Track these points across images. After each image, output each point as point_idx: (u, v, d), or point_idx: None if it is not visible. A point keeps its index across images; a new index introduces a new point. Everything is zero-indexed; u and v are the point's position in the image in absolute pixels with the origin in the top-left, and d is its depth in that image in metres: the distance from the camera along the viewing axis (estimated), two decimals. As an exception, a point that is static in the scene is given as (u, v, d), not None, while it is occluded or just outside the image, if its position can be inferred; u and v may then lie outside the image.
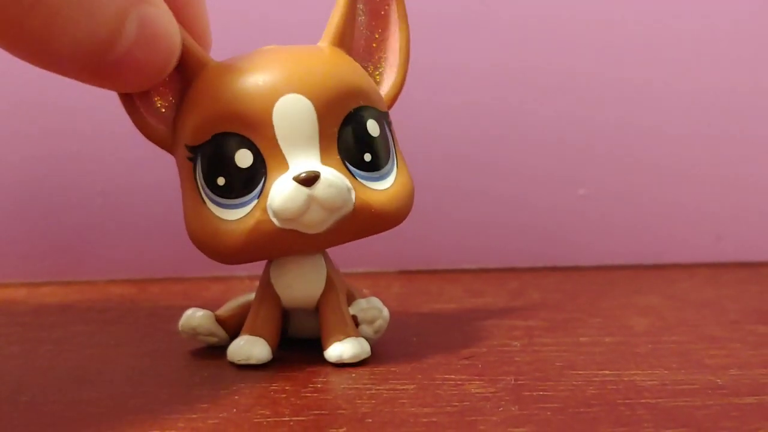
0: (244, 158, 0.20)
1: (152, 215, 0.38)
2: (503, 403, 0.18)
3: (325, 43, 0.22)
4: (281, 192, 0.20)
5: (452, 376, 0.20)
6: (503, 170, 0.38)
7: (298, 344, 0.23)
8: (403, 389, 0.19)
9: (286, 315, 0.22)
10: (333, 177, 0.20)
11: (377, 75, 0.23)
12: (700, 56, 0.38)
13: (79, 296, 0.33)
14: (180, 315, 0.23)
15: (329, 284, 0.22)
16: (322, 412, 0.18)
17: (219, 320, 0.23)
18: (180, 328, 0.23)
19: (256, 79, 0.20)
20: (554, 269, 0.38)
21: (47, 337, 0.26)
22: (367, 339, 0.22)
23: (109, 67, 0.18)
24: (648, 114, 0.38)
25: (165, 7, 0.19)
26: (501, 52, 0.37)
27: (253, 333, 0.22)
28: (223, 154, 0.20)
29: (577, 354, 0.22)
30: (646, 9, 0.38)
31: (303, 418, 0.17)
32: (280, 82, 0.20)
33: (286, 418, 0.17)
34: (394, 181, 0.21)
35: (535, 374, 0.20)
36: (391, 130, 0.22)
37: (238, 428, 0.17)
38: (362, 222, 0.21)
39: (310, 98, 0.20)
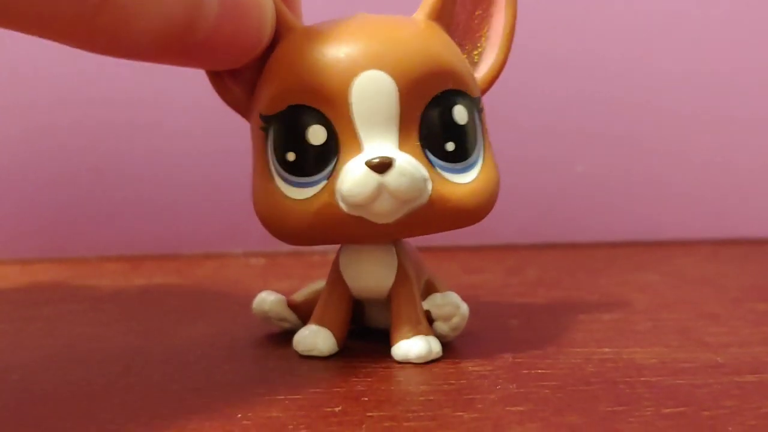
0: (317, 135, 0.19)
1: (146, 191, 0.37)
2: (501, 381, 0.18)
3: (420, 15, 0.20)
4: (351, 176, 0.18)
5: (449, 354, 0.20)
6: (501, 146, 0.38)
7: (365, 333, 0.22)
8: (400, 366, 0.19)
9: (360, 304, 0.21)
10: (408, 165, 0.18)
11: (476, 55, 0.21)
12: (698, 36, 0.38)
13: (72, 273, 0.33)
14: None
15: (401, 276, 0.20)
16: (318, 390, 0.18)
17: (291, 305, 0.22)
18: (253, 311, 0.22)
19: (337, 51, 0.18)
20: (552, 246, 0.38)
21: (38, 314, 0.26)
22: (443, 336, 0.20)
23: (197, 47, 0.17)
24: (647, 91, 0.38)
25: None
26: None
27: (320, 323, 0.21)
28: (295, 128, 0.19)
29: (575, 331, 0.22)
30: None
31: (298, 396, 0.17)
32: (361, 57, 0.18)
33: (281, 397, 0.17)
34: (478, 174, 0.19)
35: (533, 352, 0.20)
36: (481, 119, 0.20)
37: (232, 407, 0.17)
38: (437, 216, 0.19)
39: (393, 76, 0.18)
